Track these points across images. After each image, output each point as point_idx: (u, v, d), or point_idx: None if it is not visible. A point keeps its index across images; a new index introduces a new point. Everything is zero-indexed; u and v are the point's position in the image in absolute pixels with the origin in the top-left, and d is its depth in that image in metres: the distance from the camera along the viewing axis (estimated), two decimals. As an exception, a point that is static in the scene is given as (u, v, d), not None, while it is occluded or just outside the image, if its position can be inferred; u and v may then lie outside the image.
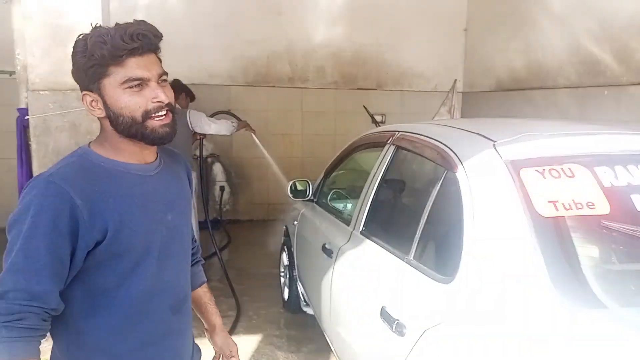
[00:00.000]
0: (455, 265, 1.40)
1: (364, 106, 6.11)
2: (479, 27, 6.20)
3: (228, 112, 5.27)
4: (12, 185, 5.11)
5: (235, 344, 1.44)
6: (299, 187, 3.11)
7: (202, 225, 5.97)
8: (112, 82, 1.05)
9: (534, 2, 5.04)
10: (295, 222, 3.33)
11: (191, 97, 4.48)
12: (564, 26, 4.64)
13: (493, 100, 5.91)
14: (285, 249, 3.62)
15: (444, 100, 6.55)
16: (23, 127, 2.54)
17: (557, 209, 1.29)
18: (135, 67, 1.05)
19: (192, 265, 1.34)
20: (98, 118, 1.10)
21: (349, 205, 2.72)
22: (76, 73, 1.08)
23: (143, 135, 1.08)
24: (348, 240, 2.21)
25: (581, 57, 4.42)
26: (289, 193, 3.05)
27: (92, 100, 1.08)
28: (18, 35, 2.68)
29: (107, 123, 1.09)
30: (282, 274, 3.79)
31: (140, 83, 1.05)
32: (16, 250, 0.98)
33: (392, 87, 6.42)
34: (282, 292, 3.75)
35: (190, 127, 4.10)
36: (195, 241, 1.40)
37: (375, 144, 2.38)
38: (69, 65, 1.11)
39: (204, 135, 4.48)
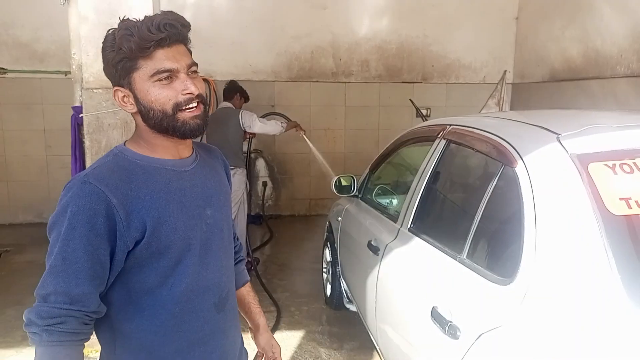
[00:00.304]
0: (514, 266, 1.32)
1: (410, 100, 5.98)
2: (531, 15, 5.93)
3: (278, 114, 5.31)
4: (65, 181, 5.32)
5: (279, 345, 1.41)
6: (344, 183, 3.07)
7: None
8: (142, 76, 1.03)
9: (592, -13, 4.76)
10: (339, 218, 3.29)
11: (245, 97, 4.58)
12: (626, 11, 4.35)
13: (545, 91, 5.64)
14: (328, 245, 3.59)
15: (492, 92, 6.34)
16: (77, 125, 2.63)
17: (629, 207, 1.19)
18: (163, 58, 1.02)
19: (235, 263, 1.31)
20: (131, 114, 1.09)
21: (396, 202, 2.65)
22: (107, 69, 1.06)
23: (175, 129, 1.05)
24: (395, 237, 2.14)
25: (645, 44, 4.13)
26: (334, 188, 3.01)
27: (124, 96, 1.06)
28: (74, 36, 2.77)
29: (139, 119, 1.07)
30: (324, 270, 3.77)
31: (170, 75, 1.03)
32: (55, 253, 0.98)
33: (438, 79, 6.25)
34: (324, 288, 3.73)
35: (242, 127, 4.20)
36: (237, 239, 1.38)
37: (424, 138, 2.30)
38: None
39: (254, 134, 4.55)
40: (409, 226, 2.07)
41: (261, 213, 6.24)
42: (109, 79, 1.08)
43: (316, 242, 4.93)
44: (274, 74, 5.98)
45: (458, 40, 6.15)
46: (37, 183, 5.69)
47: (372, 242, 2.35)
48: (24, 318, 0.99)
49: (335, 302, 3.44)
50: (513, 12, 6.18)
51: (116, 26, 1.04)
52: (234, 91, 4.42)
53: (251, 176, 6.25)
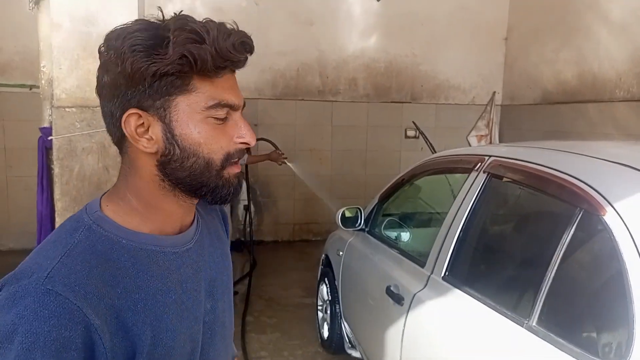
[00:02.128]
0: (621, 342, 1.04)
1: (413, 122, 5.74)
2: (522, 37, 5.84)
3: (266, 139, 5.00)
4: (28, 207, 4.88)
5: None
6: (347, 214, 2.76)
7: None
8: (192, 104, 0.69)
9: (588, 10, 4.68)
10: (341, 253, 2.97)
11: None
12: (625, 34, 4.26)
13: (537, 113, 5.53)
14: (326, 282, 3.26)
15: (482, 113, 6.19)
16: (45, 149, 2.25)
17: None
18: (227, 88, 0.71)
19: None
20: (129, 156, 0.73)
21: (416, 240, 2.36)
22: (119, 80, 0.67)
23: (212, 190, 0.73)
24: (425, 286, 1.84)
25: (646, 68, 4.04)
26: (339, 222, 2.70)
27: (141, 125, 0.69)
28: (44, 46, 2.39)
29: (150, 166, 0.72)
30: (319, 307, 3.43)
31: (228, 113, 0.72)
32: None
33: (427, 100, 6.08)
34: (319, 329, 3.39)
35: None
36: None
37: (453, 169, 2.03)
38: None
39: None
40: (442, 274, 1.77)
41: (242, 239, 5.86)
42: (108, 97, 0.70)
43: (304, 271, 4.61)
44: (257, 91, 5.67)
45: (447, 60, 6.01)
46: (-6, 207, 5.16)
47: (392, 289, 2.04)
48: None
49: (335, 345, 3.10)
50: (502, 33, 6.09)
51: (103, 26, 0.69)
52: None
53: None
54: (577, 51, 4.85)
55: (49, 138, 2.20)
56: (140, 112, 0.69)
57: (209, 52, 0.66)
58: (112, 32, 0.69)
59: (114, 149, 0.76)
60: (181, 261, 0.76)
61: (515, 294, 1.42)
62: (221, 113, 0.71)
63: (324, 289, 3.32)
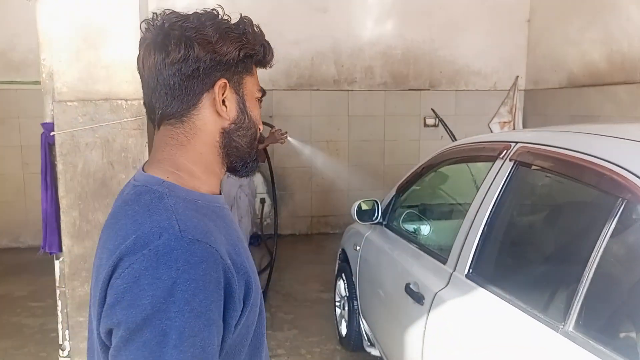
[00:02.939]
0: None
1: (432, 109, 5.56)
2: (545, 17, 5.58)
3: (265, 123, 4.84)
4: (19, 204, 4.91)
5: None
6: (364, 207, 2.63)
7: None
8: (253, 84, 0.84)
9: (616, -15, 4.42)
10: (358, 247, 2.85)
11: None
12: (658, 10, 4.00)
13: (563, 97, 5.28)
14: (343, 277, 3.15)
15: (504, 99, 5.98)
16: (48, 145, 2.17)
17: None
18: (258, 80, 0.86)
19: None
20: (194, 124, 0.79)
21: (437, 234, 2.22)
22: (210, 56, 0.77)
23: (251, 161, 0.86)
24: (447, 284, 1.71)
25: (682, 46, 3.78)
26: (355, 216, 2.57)
27: (223, 95, 0.80)
28: (44, 38, 2.31)
29: (215, 133, 0.80)
30: (337, 304, 3.32)
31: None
32: None
33: (446, 86, 5.87)
34: (337, 326, 3.28)
35: None
36: None
37: (476, 157, 1.88)
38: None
39: None
40: (466, 271, 1.63)
41: (259, 232, 5.78)
42: (191, 67, 0.77)
43: (321, 265, 4.50)
44: (271, 82, 5.55)
45: (467, 45, 5.78)
46: (13, 204, 5.19)
47: (412, 287, 1.91)
48: None
49: (353, 343, 2.99)
50: (525, 14, 5.83)
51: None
52: None
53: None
54: (604, 30, 4.59)
55: (51, 134, 2.13)
56: (227, 81, 0.80)
57: (268, 47, 0.83)
58: (191, 16, 0.78)
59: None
60: (230, 219, 0.85)
61: (548, 295, 1.28)
62: (260, 96, 0.86)
63: (341, 285, 3.21)
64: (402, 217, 2.43)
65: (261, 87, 0.87)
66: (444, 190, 2.35)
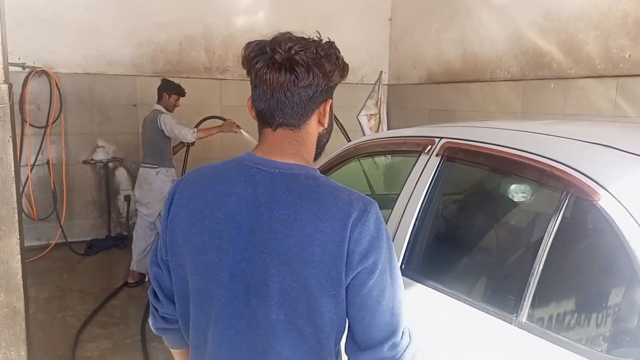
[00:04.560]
0: (633, 339, 0.97)
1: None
2: (406, 17, 5.98)
3: (215, 117, 4.81)
4: None
5: None
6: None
7: (102, 244, 5.03)
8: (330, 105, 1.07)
9: (469, -8, 4.91)
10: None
11: (178, 93, 4.30)
12: (505, 17, 4.54)
13: (423, 92, 5.74)
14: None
15: (370, 92, 6.28)
16: None
17: None
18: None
19: None
20: (306, 131, 1.03)
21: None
22: (332, 79, 1.03)
23: (322, 152, 1.12)
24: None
25: (524, 49, 4.35)
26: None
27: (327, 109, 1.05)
28: None
29: (315, 135, 1.06)
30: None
31: None
32: (399, 284, 0.97)
33: (318, 79, 5.94)
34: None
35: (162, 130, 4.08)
36: None
37: (394, 152, 1.88)
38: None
39: (192, 143, 4.37)
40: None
41: (125, 233, 5.24)
42: (322, 87, 1.01)
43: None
44: (134, 67, 5.01)
45: (337, 39, 5.68)
46: None
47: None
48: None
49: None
50: (387, 13, 6.18)
51: None
52: (161, 91, 4.22)
53: (109, 189, 5.20)
54: (460, 32, 5.08)
55: None
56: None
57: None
58: (311, 45, 1.01)
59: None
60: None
61: (497, 290, 1.32)
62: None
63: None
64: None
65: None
66: (361, 186, 2.33)
